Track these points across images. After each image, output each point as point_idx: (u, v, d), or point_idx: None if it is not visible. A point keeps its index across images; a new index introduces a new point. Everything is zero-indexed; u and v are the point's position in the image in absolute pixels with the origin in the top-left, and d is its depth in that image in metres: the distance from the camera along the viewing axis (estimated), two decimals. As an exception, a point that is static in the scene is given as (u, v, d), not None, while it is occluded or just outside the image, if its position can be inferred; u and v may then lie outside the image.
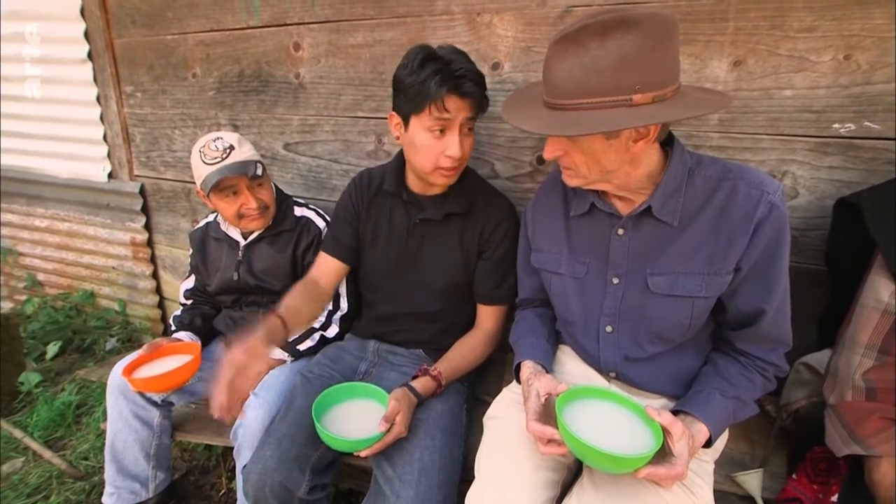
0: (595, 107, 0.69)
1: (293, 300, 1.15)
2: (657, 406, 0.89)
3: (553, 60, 0.71)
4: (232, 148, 1.23)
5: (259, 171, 1.23)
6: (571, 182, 0.82)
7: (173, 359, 1.24)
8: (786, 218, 0.77)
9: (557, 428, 0.74)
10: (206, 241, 1.43)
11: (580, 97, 0.70)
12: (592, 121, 0.69)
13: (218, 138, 1.24)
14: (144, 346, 1.25)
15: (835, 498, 0.91)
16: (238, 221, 1.30)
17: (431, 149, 1.02)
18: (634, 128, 0.70)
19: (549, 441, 0.76)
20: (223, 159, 1.21)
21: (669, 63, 0.70)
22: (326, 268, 1.26)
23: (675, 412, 0.80)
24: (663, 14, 0.67)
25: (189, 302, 1.49)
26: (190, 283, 1.50)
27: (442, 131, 1.00)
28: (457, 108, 0.98)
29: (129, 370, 1.18)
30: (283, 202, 1.39)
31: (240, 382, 0.90)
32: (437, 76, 0.95)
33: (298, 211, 1.39)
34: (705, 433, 0.77)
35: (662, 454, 0.72)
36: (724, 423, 0.80)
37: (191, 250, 1.46)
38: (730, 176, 0.79)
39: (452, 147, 1.01)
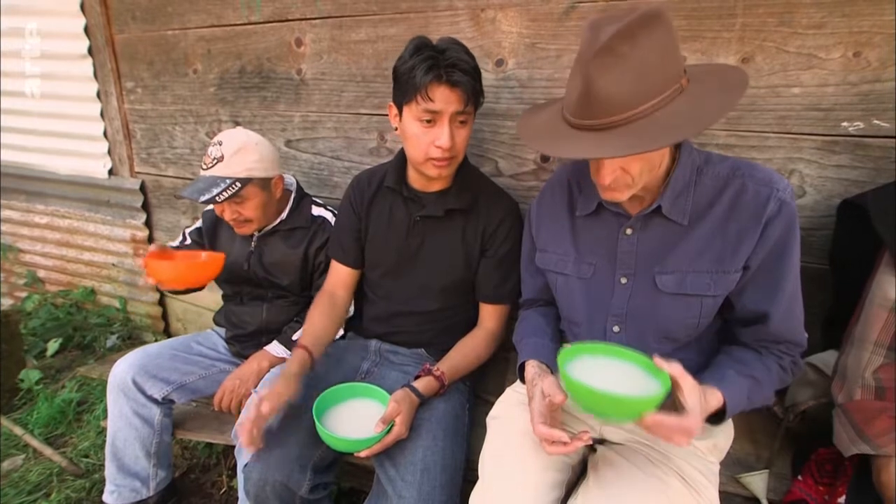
0: (659, 106, 0.67)
1: (316, 326, 1.17)
2: (668, 403, 0.88)
3: (598, 77, 0.66)
4: (220, 159, 1.19)
5: (220, 197, 1.16)
6: (623, 197, 0.78)
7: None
8: (795, 216, 0.76)
9: (560, 380, 0.70)
10: (218, 226, 1.42)
11: (642, 103, 0.66)
12: (678, 118, 0.66)
13: (218, 143, 1.22)
14: (153, 245, 1.19)
15: (841, 500, 0.91)
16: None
17: (421, 139, 1.01)
18: (732, 108, 0.70)
19: (554, 442, 0.75)
20: (208, 168, 1.20)
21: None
22: (340, 276, 1.27)
23: None
24: (664, 6, 0.67)
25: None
26: (175, 243, 1.44)
27: (431, 122, 0.99)
28: (445, 98, 0.97)
29: (150, 258, 1.12)
30: (302, 199, 1.38)
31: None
32: (424, 64, 0.95)
33: (316, 210, 1.38)
34: (718, 398, 0.73)
35: (672, 408, 0.69)
36: (739, 398, 0.76)
37: (199, 224, 1.44)
38: (739, 174, 0.78)
39: (442, 137, 0.99)
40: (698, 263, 0.79)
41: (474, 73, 0.99)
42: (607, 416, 0.72)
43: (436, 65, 0.95)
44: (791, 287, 0.78)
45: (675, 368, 0.67)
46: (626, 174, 0.75)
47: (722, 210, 0.78)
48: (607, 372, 0.74)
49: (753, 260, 0.77)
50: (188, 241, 1.41)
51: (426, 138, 1.01)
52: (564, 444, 0.74)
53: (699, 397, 0.68)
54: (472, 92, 0.99)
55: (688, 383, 0.67)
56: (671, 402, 0.70)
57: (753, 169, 0.79)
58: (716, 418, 0.76)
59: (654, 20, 0.64)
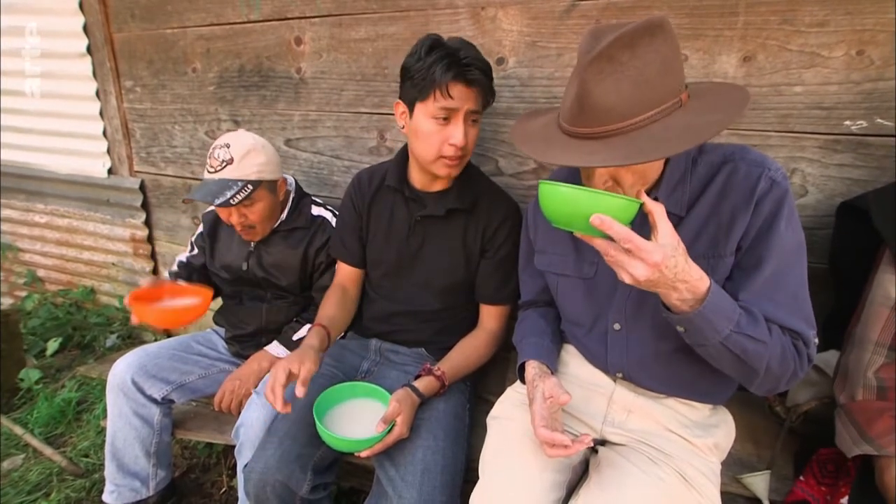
0: (656, 118, 0.66)
1: (330, 309, 1.19)
2: (669, 403, 0.88)
3: (593, 84, 0.65)
4: (230, 162, 1.18)
5: (234, 200, 1.16)
6: None
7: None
8: (787, 195, 0.73)
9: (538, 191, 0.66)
10: (217, 226, 1.41)
11: (638, 114, 0.65)
12: (673, 131, 0.64)
13: (225, 145, 1.20)
14: (149, 279, 1.19)
15: (844, 500, 0.90)
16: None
17: (434, 136, 1.01)
18: (728, 126, 0.67)
19: (555, 445, 0.75)
20: (216, 171, 1.19)
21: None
22: (347, 275, 1.27)
23: None
24: (666, 17, 0.67)
25: (178, 270, 1.44)
26: (184, 256, 1.46)
27: (446, 119, 1.00)
28: (462, 96, 0.98)
29: (135, 301, 1.13)
30: (301, 199, 1.38)
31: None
32: (443, 62, 0.96)
33: (316, 210, 1.37)
34: (704, 279, 0.65)
35: None
36: (728, 308, 0.67)
37: (201, 229, 1.43)
38: (731, 158, 0.78)
39: (456, 135, 1.00)
40: (694, 249, 0.77)
41: (489, 73, 1.02)
42: (567, 220, 0.64)
43: (455, 63, 0.96)
44: (774, 268, 0.72)
45: (656, 206, 0.63)
46: (617, 186, 0.74)
47: (714, 192, 0.77)
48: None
49: (745, 241, 0.75)
50: (177, 270, 1.40)
51: (439, 136, 1.01)
52: (566, 447, 0.74)
53: (675, 244, 0.62)
54: (488, 90, 1.02)
55: (665, 227, 0.62)
56: None
57: (746, 152, 0.78)
58: (686, 321, 0.67)
59: (656, 30, 0.64)
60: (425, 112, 1.00)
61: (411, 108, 1.03)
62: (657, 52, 0.64)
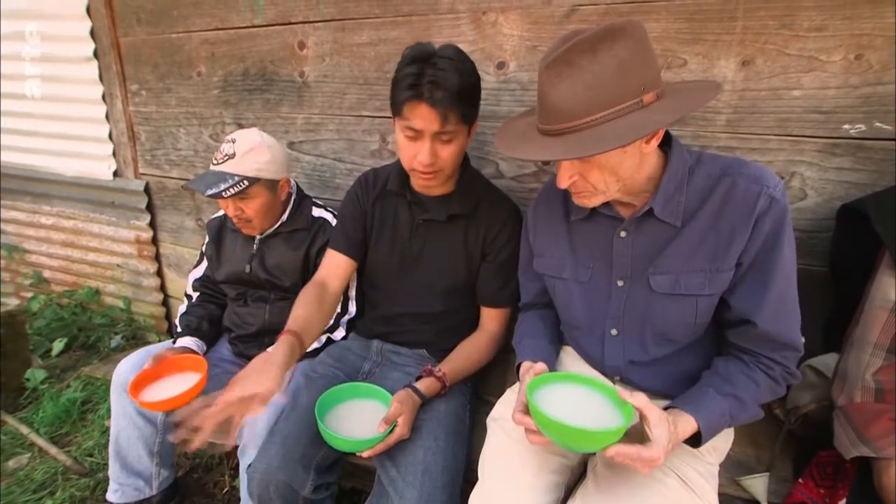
0: (610, 118, 0.69)
1: (303, 309, 1.08)
2: (662, 405, 0.89)
3: (549, 87, 0.70)
4: (231, 156, 1.21)
5: (226, 193, 1.18)
6: (590, 203, 0.81)
7: (180, 377, 1.22)
8: (786, 212, 0.75)
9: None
10: (222, 232, 1.43)
11: (591, 114, 0.68)
12: (620, 130, 0.67)
13: (232, 140, 1.24)
14: (149, 360, 1.22)
15: (842, 503, 0.91)
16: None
17: (407, 150, 1.02)
18: (666, 125, 0.70)
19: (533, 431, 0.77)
20: (218, 163, 1.22)
21: (656, 61, 0.73)
22: (335, 266, 1.22)
23: (666, 409, 0.78)
24: (636, 20, 0.70)
25: (196, 294, 1.48)
26: (199, 271, 1.49)
27: (413, 137, 0.99)
28: (424, 117, 0.95)
29: (135, 388, 1.16)
30: (302, 201, 1.40)
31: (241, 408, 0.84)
32: (406, 80, 0.93)
33: (316, 212, 1.39)
34: (692, 425, 0.73)
35: (640, 439, 0.70)
36: (718, 420, 0.76)
37: (206, 238, 1.46)
38: (730, 172, 0.78)
39: (422, 154, 1.00)
40: (692, 263, 0.80)
41: (461, 93, 0.94)
42: (570, 447, 0.74)
43: (417, 83, 0.92)
44: (781, 285, 0.76)
45: (640, 400, 0.69)
46: (585, 181, 0.77)
47: (713, 208, 0.78)
48: (575, 401, 0.76)
49: (745, 257, 0.77)
50: (179, 329, 1.39)
51: (410, 151, 1.01)
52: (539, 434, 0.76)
53: (666, 428, 0.69)
54: (456, 111, 0.95)
55: (654, 414, 0.68)
56: (639, 431, 0.71)
57: (744, 166, 0.79)
58: (695, 440, 0.76)
59: (617, 34, 0.66)
60: (398, 126, 1.01)
61: (393, 118, 1.04)
62: (615, 57, 0.66)
